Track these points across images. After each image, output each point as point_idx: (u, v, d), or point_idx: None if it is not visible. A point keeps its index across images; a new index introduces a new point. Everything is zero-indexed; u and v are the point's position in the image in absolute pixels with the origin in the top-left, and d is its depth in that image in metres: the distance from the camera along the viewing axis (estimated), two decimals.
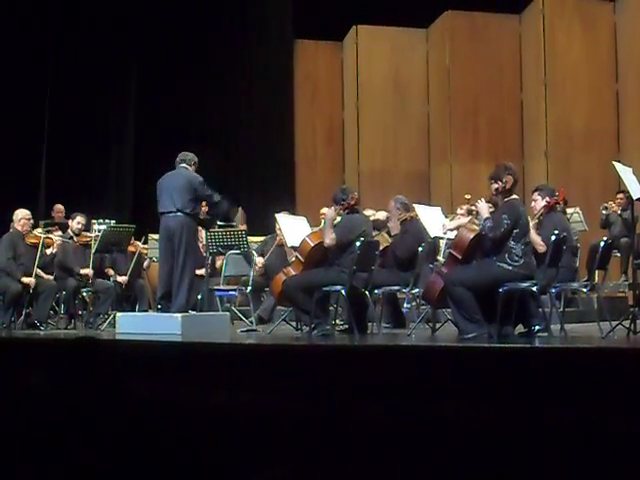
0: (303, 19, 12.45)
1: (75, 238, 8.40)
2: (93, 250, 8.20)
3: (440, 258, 7.54)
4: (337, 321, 7.31)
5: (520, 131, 12.12)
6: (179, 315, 6.79)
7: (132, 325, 7.08)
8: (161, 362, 4.78)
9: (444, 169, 12.17)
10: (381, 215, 8.10)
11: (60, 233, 8.46)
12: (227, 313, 7.86)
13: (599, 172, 10.71)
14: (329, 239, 6.45)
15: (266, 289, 8.33)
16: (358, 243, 6.39)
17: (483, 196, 6.11)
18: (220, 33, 12.28)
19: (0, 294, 7.81)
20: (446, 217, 7.57)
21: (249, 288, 8.04)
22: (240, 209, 9.34)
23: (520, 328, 6.14)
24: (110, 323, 7.85)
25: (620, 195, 9.24)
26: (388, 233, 7.23)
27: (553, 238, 6.04)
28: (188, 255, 6.95)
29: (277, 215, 7.87)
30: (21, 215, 8.04)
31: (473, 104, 12.14)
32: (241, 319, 8.20)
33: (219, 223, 8.49)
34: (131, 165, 12.01)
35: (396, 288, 7.02)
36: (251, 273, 8.23)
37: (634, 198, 6.04)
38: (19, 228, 8.01)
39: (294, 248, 7.02)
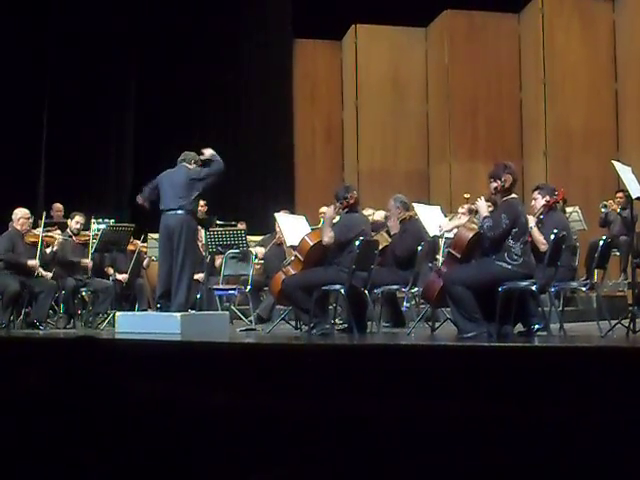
0: (302, 18, 12.45)
1: (74, 237, 8.40)
2: (92, 249, 8.20)
3: (439, 257, 7.54)
4: (336, 320, 7.32)
5: (519, 130, 12.12)
6: (178, 314, 6.79)
7: (131, 324, 7.09)
8: (160, 361, 4.79)
9: (443, 168, 12.17)
10: (379, 216, 8.10)
11: (59, 232, 8.44)
12: (226, 312, 7.87)
13: (598, 171, 10.70)
14: (327, 237, 6.46)
15: (265, 288, 8.33)
16: (357, 242, 6.39)
17: (482, 195, 6.11)
18: (220, 32, 12.26)
19: None
20: (446, 216, 7.57)
21: (248, 287, 8.04)
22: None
23: (519, 327, 6.15)
24: (109, 322, 7.84)
25: (619, 194, 9.23)
26: (387, 232, 7.23)
27: (552, 237, 6.05)
28: (187, 254, 6.95)
29: (276, 214, 7.88)
30: (20, 214, 8.02)
31: (472, 103, 12.14)
32: (240, 318, 8.21)
33: (218, 222, 8.50)
34: (131, 165, 12.00)
35: (395, 287, 7.01)
36: (250, 272, 8.24)
37: (633, 197, 6.03)
38: (18, 227, 7.99)
39: (293, 247, 7.02)
